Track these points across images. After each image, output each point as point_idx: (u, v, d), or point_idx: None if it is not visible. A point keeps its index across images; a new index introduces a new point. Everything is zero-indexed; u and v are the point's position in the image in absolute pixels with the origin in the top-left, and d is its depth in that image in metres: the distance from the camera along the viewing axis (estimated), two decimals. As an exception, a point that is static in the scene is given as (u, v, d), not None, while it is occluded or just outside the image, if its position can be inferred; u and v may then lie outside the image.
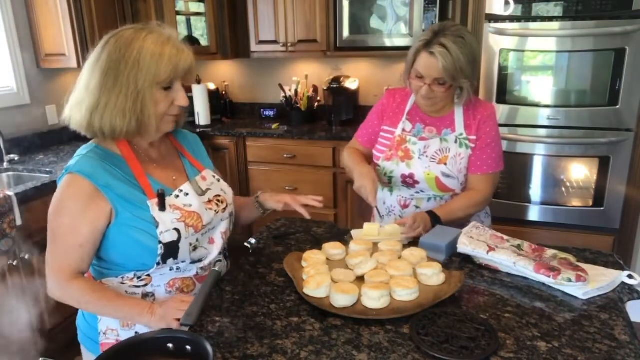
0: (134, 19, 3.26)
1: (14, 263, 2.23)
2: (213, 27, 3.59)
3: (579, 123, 2.62)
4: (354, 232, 1.59)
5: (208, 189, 1.32)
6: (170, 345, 0.97)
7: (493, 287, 1.28)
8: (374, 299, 1.15)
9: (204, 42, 3.69)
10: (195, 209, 1.24)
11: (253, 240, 1.59)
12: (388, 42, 3.19)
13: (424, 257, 1.36)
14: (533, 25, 2.58)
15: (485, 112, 1.66)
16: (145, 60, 1.11)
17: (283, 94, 3.66)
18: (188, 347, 0.96)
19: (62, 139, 3.21)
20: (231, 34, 3.66)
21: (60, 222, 1.15)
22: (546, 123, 2.67)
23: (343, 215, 3.35)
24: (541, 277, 1.26)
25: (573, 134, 2.64)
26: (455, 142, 1.66)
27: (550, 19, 2.55)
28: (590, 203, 2.70)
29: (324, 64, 3.71)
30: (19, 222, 2.20)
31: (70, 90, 1.19)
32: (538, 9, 2.56)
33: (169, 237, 1.17)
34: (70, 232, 1.14)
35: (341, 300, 1.16)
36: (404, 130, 1.73)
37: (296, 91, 3.63)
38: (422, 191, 1.71)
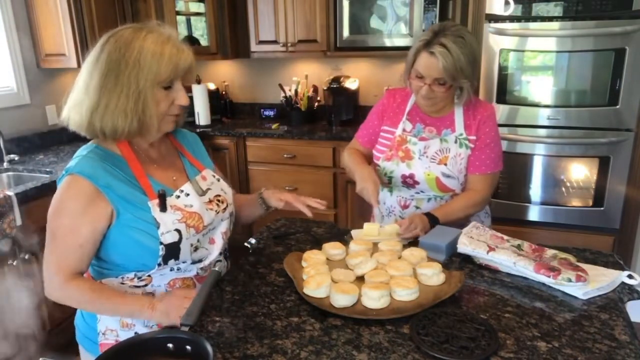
0: (134, 18, 3.26)
1: (14, 263, 2.23)
2: (213, 27, 3.59)
3: (579, 123, 2.62)
4: (354, 232, 1.59)
5: (208, 189, 1.32)
6: (170, 345, 0.97)
7: (493, 287, 1.28)
8: (374, 299, 1.15)
9: (204, 42, 3.69)
10: (196, 209, 1.23)
11: (253, 240, 1.59)
12: (388, 42, 3.19)
13: (424, 257, 1.36)
14: (533, 25, 2.58)
15: (485, 113, 1.66)
16: (146, 59, 1.11)
17: (283, 94, 3.66)
18: (188, 347, 0.96)
19: (62, 139, 3.21)
20: (231, 34, 3.66)
21: (60, 223, 1.14)
22: (546, 123, 2.67)
23: (343, 215, 3.35)
24: (541, 277, 1.26)
25: (573, 134, 2.63)
26: (455, 142, 1.66)
27: (550, 19, 2.55)
28: (590, 203, 2.70)
29: (324, 64, 3.70)
30: (19, 222, 2.20)
31: (68, 91, 1.18)
32: (538, 9, 2.56)
33: (170, 238, 1.17)
34: (69, 233, 1.13)
35: (341, 300, 1.16)
36: (404, 130, 1.73)
37: (296, 91, 3.63)
38: (422, 191, 1.71)
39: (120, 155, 1.19)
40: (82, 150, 1.19)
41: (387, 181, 1.74)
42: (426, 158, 1.67)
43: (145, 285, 1.22)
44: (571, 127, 2.63)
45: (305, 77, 3.64)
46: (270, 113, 3.87)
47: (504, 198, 2.82)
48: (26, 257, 2.28)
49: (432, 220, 1.57)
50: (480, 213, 1.77)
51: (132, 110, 1.12)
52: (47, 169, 2.67)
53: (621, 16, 2.42)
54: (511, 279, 1.31)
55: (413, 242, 1.51)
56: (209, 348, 0.90)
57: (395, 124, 1.75)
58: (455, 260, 1.43)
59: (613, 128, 2.56)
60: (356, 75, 3.59)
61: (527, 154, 2.74)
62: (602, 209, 2.67)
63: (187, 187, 1.26)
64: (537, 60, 2.67)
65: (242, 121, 3.86)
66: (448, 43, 1.49)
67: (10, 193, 2.18)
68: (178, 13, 3.52)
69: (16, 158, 2.84)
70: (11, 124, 2.94)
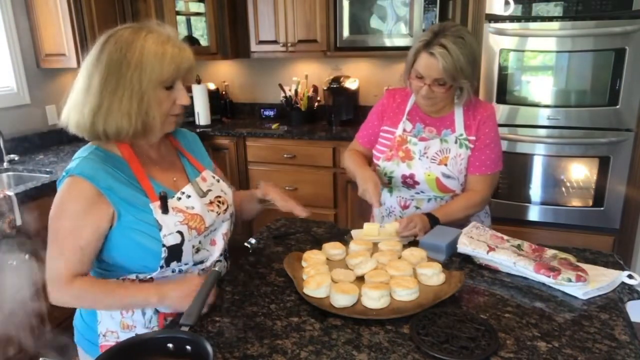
0: (134, 18, 3.26)
1: (14, 263, 2.23)
2: (213, 27, 3.59)
3: (579, 123, 2.62)
4: (354, 232, 1.59)
5: (209, 190, 1.31)
6: (170, 345, 0.97)
7: (493, 287, 1.28)
8: (374, 299, 1.15)
9: (204, 42, 3.69)
10: (198, 211, 1.23)
11: (253, 240, 1.59)
12: (388, 42, 3.19)
13: (424, 257, 1.36)
14: (533, 25, 2.58)
15: (485, 113, 1.67)
16: (148, 60, 1.10)
17: (283, 94, 3.66)
18: (188, 347, 0.96)
19: (62, 139, 3.21)
20: (231, 34, 3.67)
21: (61, 225, 1.13)
22: (546, 123, 2.67)
23: (343, 215, 3.35)
24: (541, 277, 1.26)
25: (573, 134, 2.64)
26: (455, 142, 1.66)
27: (550, 19, 2.55)
28: (590, 203, 2.70)
29: (324, 64, 3.70)
30: (19, 222, 2.20)
31: (67, 93, 1.16)
32: (538, 9, 2.56)
33: (172, 240, 1.16)
34: (71, 235, 1.12)
35: (341, 300, 1.16)
36: (404, 130, 1.73)
37: (296, 91, 3.63)
38: (422, 192, 1.71)
39: (120, 156, 1.18)
40: (82, 152, 1.18)
41: (387, 181, 1.74)
42: (426, 158, 1.67)
43: None
44: (571, 127, 2.64)
45: (305, 77, 3.64)
46: (270, 113, 3.87)
47: (504, 198, 2.82)
48: (26, 257, 2.27)
49: (433, 220, 1.57)
50: (480, 213, 1.77)
51: (135, 111, 1.11)
52: (47, 169, 2.67)
53: (621, 16, 2.42)
54: (511, 279, 1.31)
55: (413, 242, 1.51)
56: (209, 348, 0.90)
57: (395, 124, 1.75)
58: (455, 260, 1.43)
59: (613, 128, 2.56)
60: (356, 75, 3.59)
61: (527, 154, 2.74)
62: (602, 209, 2.67)
63: (188, 188, 1.25)
64: (537, 60, 2.67)
65: (242, 121, 3.86)
66: (448, 44, 1.49)
67: (10, 193, 2.18)
68: (178, 13, 3.52)
69: (16, 158, 2.84)
70: (11, 124, 2.94)
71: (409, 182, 1.70)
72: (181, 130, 1.39)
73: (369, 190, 1.57)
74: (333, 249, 1.42)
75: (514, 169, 2.76)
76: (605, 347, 1.02)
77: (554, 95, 2.65)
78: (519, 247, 1.39)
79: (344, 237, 1.56)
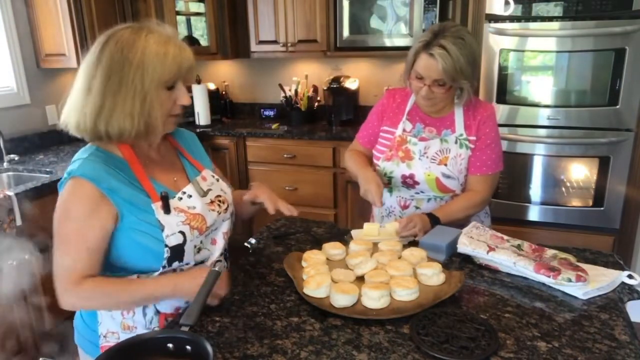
0: (134, 18, 3.26)
1: (14, 263, 2.23)
2: (213, 27, 3.59)
3: (579, 123, 2.62)
4: (354, 232, 1.59)
5: (209, 190, 1.31)
6: (170, 345, 0.97)
7: (493, 287, 1.28)
8: (374, 299, 1.15)
9: (204, 42, 3.69)
10: (199, 210, 1.23)
11: (253, 240, 1.59)
12: (388, 42, 3.19)
13: (424, 257, 1.36)
14: (533, 25, 2.58)
15: (485, 113, 1.67)
16: (150, 60, 1.09)
17: (283, 94, 3.66)
18: (188, 347, 0.96)
19: (62, 139, 3.21)
20: (231, 34, 3.67)
21: (67, 228, 1.12)
22: (546, 123, 2.67)
23: (343, 215, 3.35)
24: (541, 277, 1.26)
25: (573, 134, 2.64)
26: (456, 142, 1.66)
27: (550, 19, 2.55)
28: (590, 203, 2.70)
29: (324, 64, 3.71)
30: (19, 222, 2.20)
31: (66, 94, 1.15)
32: (538, 9, 2.56)
33: (174, 240, 1.16)
34: (77, 237, 1.11)
35: (341, 300, 1.16)
36: (404, 130, 1.73)
37: (296, 91, 3.63)
38: (422, 192, 1.71)
39: (121, 157, 1.18)
40: (83, 153, 1.17)
41: (387, 181, 1.74)
42: (426, 158, 1.67)
43: None
44: (571, 127, 2.63)
45: (305, 77, 3.64)
46: (270, 113, 3.87)
47: (504, 198, 2.82)
48: (26, 257, 2.28)
49: (433, 220, 1.57)
50: (480, 213, 1.77)
51: (138, 112, 1.11)
52: (47, 169, 2.67)
53: (621, 16, 2.42)
54: (511, 279, 1.31)
55: (413, 242, 1.51)
56: (209, 348, 0.90)
57: (395, 124, 1.75)
58: (455, 260, 1.43)
59: (613, 128, 2.56)
60: (356, 75, 3.59)
61: (527, 154, 2.74)
62: (602, 209, 2.67)
63: (189, 188, 1.25)
64: (537, 60, 2.67)
65: (242, 121, 3.86)
66: (447, 44, 1.49)
67: (10, 193, 2.18)
68: (178, 13, 3.52)
69: (16, 158, 2.84)
70: (11, 124, 2.95)
71: (409, 182, 1.70)
72: (179, 129, 1.39)
73: (371, 190, 1.57)
74: (333, 249, 1.42)
75: (514, 169, 2.76)
76: (605, 347, 1.03)
77: (554, 95, 2.65)
78: (519, 247, 1.39)
79: (344, 237, 1.56)
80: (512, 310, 1.17)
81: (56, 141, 3.19)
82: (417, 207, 1.74)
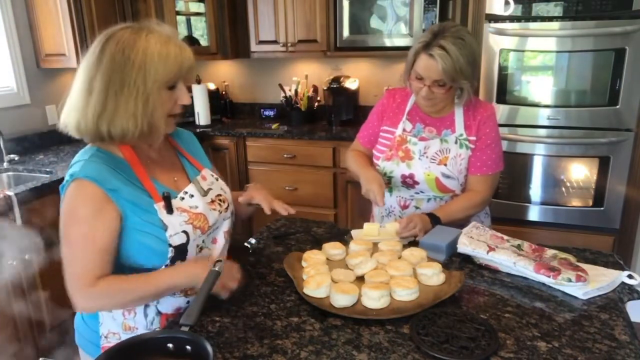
0: (134, 18, 3.26)
1: (14, 263, 2.23)
2: (213, 27, 3.59)
3: (579, 123, 2.62)
4: (354, 232, 1.59)
5: (209, 189, 1.32)
6: (170, 345, 0.97)
7: (493, 287, 1.28)
8: (374, 299, 1.15)
9: (204, 42, 3.69)
10: (201, 210, 1.23)
11: (253, 240, 1.59)
12: (388, 42, 3.19)
13: (424, 257, 1.36)
14: (533, 25, 2.58)
15: (485, 113, 1.66)
16: (152, 61, 1.09)
17: (283, 94, 3.66)
18: (188, 347, 0.96)
19: (62, 139, 3.18)
20: (231, 34, 3.66)
21: (75, 231, 1.11)
22: (546, 123, 2.67)
23: (343, 215, 3.35)
24: (541, 277, 1.26)
25: (573, 134, 2.64)
26: (456, 142, 1.66)
27: (550, 19, 2.55)
28: (590, 203, 2.70)
29: (324, 64, 3.70)
30: (19, 222, 2.20)
31: (66, 95, 1.15)
32: (538, 9, 2.56)
33: (178, 240, 1.16)
34: (86, 239, 1.10)
35: (341, 300, 1.16)
36: (404, 130, 1.73)
37: (296, 91, 3.63)
38: (421, 192, 1.71)
39: (122, 157, 1.17)
40: (84, 154, 1.16)
41: (387, 181, 1.74)
42: (426, 158, 1.67)
43: None
44: (571, 127, 2.63)
45: (305, 77, 3.64)
46: (270, 113, 3.87)
47: (504, 198, 2.82)
48: (26, 257, 2.28)
49: (434, 220, 1.57)
50: (480, 213, 1.77)
51: (141, 113, 1.10)
52: (47, 169, 2.67)
53: (621, 16, 2.42)
54: (511, 279, 1.31)
55: (413, 242, 1.51)
56: (209, 348, 0.90)
57: (395, 124, 1.75)
58: (455, 260, 1.43)
59: (613, 128, 2.56)
60: (356, 75, 3.59)
61: (527, 154, 2.74)
62: (602, 209, 2.67)
63: (190, 188, 1.26)
64: (537, 60, 2.67)
65: (242, 121, 3.86)
66: (447, 45, 1.49)
67: (10, 193, 2.18)
68: (178, 13, 3.52)
69: (16, 158, 2.84)
70: (11, 124, 2.94)
71: (409, 182, 1.70)
72: (178, 129, 1.38)
73: (373, 190, 1.57)
74: (333, 249, 1.42)
75: (514, 169, 2.76)
76: (605, 347, 1.03)
77: (554, 95, 2.65)
78: (519, 247, 1.39)
79: (344, 237, 1.56)
80: (512, 310, 1.17)
81: (56, 141, 3.19)
82: (416, 207, 1.73)
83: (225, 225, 1.34)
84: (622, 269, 1.33)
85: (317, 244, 1.49)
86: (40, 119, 3.14)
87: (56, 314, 2.40)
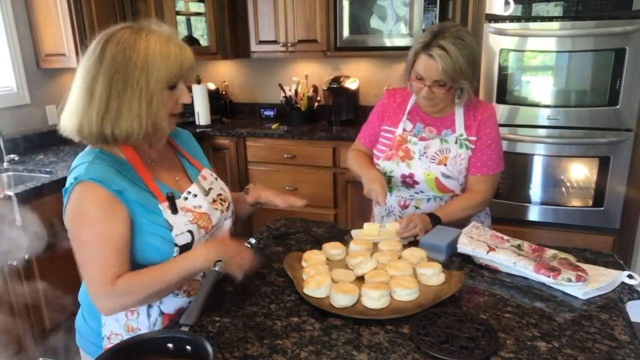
0: (134, 18, 3.22)
1: (14, 263, 2.23)
2: (213, 27, 3.59)
3: (579, 123, 2.62)
4: (354, 232, 1.59)
5: (210, 189, 1.32)
6: (170, 345, 0.97)
7: (493, 287, 1.28)
8: (374, 299, 1.15)
9: (204, 42, 3.69)
10: (205, 210, 1.24)
11: (253, 240, 1.58)
12: (388, 42, 3.19)
13: (424, 257, 1.36)
14: (533, 25, 2.58)
15: (486, 113, 1.67)
16: (154, 61, 1.08)
17: (283, 94, 3.66)
18: (188, 347, 0.96)
19: (62, 139, 3.10)
20: (231, 34, 3.66)
21: (87, 234, 1.10)
22: (546, 123, 2.67)
23: (343, 215, 3.35)
24: (541, 277, 1.26)
25: (573, 134, 2.64)
26: (456, 142, 1.66)
27: (550, 19, 2.55)
28: (590, 203, 2.70)
29: (324, 64, 3.70)
30: (19, 222, 2.20)
31: (65, 97, 1.14)
32: (538, 9, 2.56)
33: (183, 239, 1.17)
34: (100, 240, 1.09)
35: (341, 300, 1.16)
36: (404, 130, 1.73)
37: (296, 91, 3.63)
38: (421, 192, 1.71)
39: (124, 159, 1.17)
40: (86, 156, 1.15)
41: (387, 181, 1.74)
42: (426, 158, 1.67)
43: None
44: (571, 127, 2.63)
45: (305, 77, 3.64)
46: (270, 113, 3.87)
47: (504, 198, 2.82)
48: (26, 257, 2.28)
49: (435, 220, 1.57)
50: (480, 213, 1.77)
51: (145, 113, 1.10)
52: (47, 169, 2.66)
53: (621, 16, 2.42)
54: (511, 279, 1.31)
55: (413, 242, 1.51)
56: (209, 348, 0.90)
57: (395, 123, 1.75)
58: (455, 260, 1.43)
59: (613, 128, 2.56)
60: (356, 75, 3.59)
61: (527, 154, 2.74)
62: (602, 209, 2.67)
63: (194, 188, 1.26)
64: (537, 60, 2.67)
65: (242, 121, 3.85)
66: (447, 45, 1.49)
67: (10, 193, 2.18)
68: (178, 13, 3.52)
69: (16, 158, 2.84)
70: (11, 124, 2.94)
71: (409, 182, 1.70)
72: (176, 129, 1.38)
73: (375, 189, 1.57)
74: (333, 249, 1.42)
75: (514, 169, 2.76)
76: (605, 347, 1.03)
77: (554, 95, 2.65)
78: (519, 247, 1.39)
79: (344, 237, 1.56)
80: (512, 310, 1.17)
81: (56, 141, 3.19)
82: (416, 207, 1.74)
83: (227, 225, 1.34)
84: (622, 269, 1.33)
85: (317, 244, 1.49)
86: (40, 119, 3.14)
87: (56, 314, 2.40)
